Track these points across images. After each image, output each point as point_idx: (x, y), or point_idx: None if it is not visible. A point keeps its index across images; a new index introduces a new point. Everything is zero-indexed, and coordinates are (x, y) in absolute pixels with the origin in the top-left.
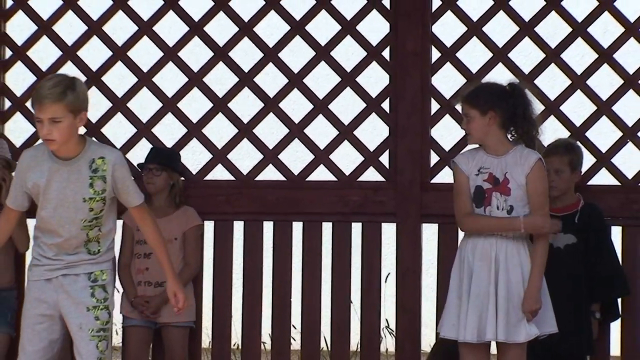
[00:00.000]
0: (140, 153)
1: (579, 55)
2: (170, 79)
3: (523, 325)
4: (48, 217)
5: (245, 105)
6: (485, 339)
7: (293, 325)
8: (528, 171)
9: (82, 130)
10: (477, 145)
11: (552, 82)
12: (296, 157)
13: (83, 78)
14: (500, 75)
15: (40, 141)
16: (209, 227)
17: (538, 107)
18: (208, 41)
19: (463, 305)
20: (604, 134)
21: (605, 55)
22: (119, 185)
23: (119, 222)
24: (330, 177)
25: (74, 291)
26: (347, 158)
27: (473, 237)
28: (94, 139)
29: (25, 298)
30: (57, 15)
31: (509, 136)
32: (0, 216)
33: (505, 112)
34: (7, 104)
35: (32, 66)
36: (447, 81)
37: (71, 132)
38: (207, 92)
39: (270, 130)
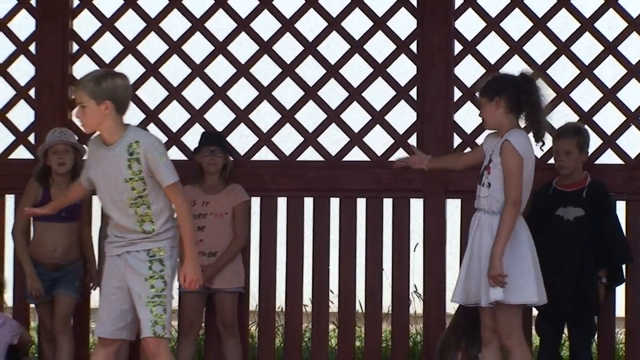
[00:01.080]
0: (193, 138)
1: (587, 48)
2: (219, 70)
3: (489, 291)
4: (102, 198)
5: (287, 93)
6: (461, 301)
7: (331, 290)
8: (499, 151)
9: (136, 117)
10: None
11: (562, 72)
12: (333, 139)
13: (142, 70)
14: (516, 66)
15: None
16: (255, 202)
17: (548, 94)
18: (254, 36)
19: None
20: (609, 118)
21: (610, 48)
22: (151, 165)
23: None
24: (364, 157)
25: (135, 265)
26: (379, 140)
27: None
28: (134, 125)
29: (104, 272)
30: (119, 13)
31: (521, 122)
32: (73, 185)
33: (510, 98)
34: None
35: (96, 59)
36: (468, 71)
37: (96, 118)
38: (254, 81)
39: (310, 116)
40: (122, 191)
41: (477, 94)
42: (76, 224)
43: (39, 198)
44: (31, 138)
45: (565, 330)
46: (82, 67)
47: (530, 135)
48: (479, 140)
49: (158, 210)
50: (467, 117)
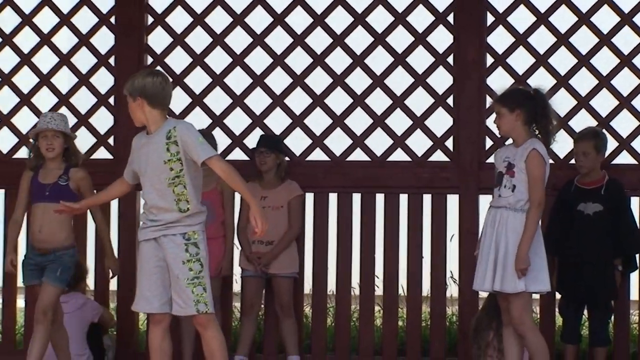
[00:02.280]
0: (254, 139)
1: (604, 60)
2: (277, 80)
3: (514, 280)
4: (144, 183)
5: (338, 100)
6: (483, 289)
7: (376, 276)
8: (525, 158)
9: (204, 122)
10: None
11: (582, 82)
12: (378, 142)
13: (208, 80)
14: (541, 77)
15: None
16: (309, 198)
17: (556, 108)
18: (308, 50)
19: (478, 261)
20: (624, 123)
21: (626, 61)
22: (187, 146)
23: (237, 197)
24: (406, 157)
25: (172, 248)
26: (419, 143)
27: (490, 208)
28: (172, 119)
29: (139, 257)
30: (188, 29)
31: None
32: (116, 181)
33: (529, 111)
34: None
35: (168, 71)
36: (498, 81)
37: (135, 112)
38: (308, 90)
39: (358, 121)
40: (161, 172)
41: (493, 102)
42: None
43: (29, 183)
44: (110, 140)
45: (585, 312)
46: None
47: None
48: (508, 141)
49: (193, 191)
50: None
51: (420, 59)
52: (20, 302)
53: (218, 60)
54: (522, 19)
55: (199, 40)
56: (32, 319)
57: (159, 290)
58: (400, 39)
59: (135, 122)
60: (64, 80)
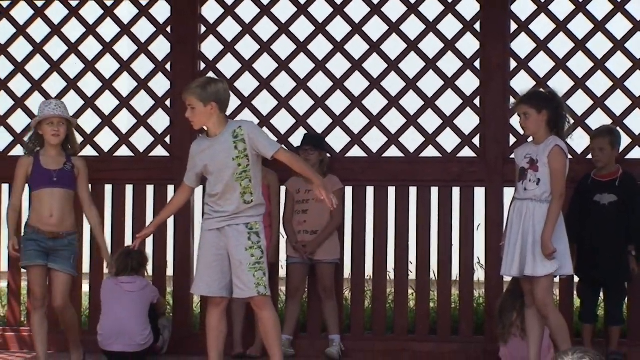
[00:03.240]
0: (298, 138)
1: (618, 64)
2: (319, 84)
3: (544, 265)
4: (211, 180)
5: (374, 101)
6: (510, 274)
7: (410, 262)
8: (547, 154)
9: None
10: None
11: (598, 83)
12: (411, 139)
13: (255, 84)
14: (560, 79)
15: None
16: (348, 191)
17: (574, 107)
18: (347, 56)
19: (505, 249)
20: (637, 121)
21: (638, 64)
22: (254, 142)
23: (282, 190)
24: (436, 154)
25: (235, 237)
26: (448, 140)
27: (514, 201)
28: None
29: (201, 244)
30: (237, 37)
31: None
32: (178, 189)
33: (552, 112)
34: None
35: (220, 76)
36: (521, 84)
37: (204, 117)
38: (347, 93)
39: (392, 120)
40: (229, 168)
41: (518, 103)
42: (69, 192)
43: (30, 169)
44: (167, 139)
45: (601, 294)
46: None
47: None
48: (529, 139)
49: (256, 184)
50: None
51: (449, 64)
52: (85, 287)
53: (265, 65)
54: (542, 26)
55: (247, 47)
56: (96, 303)
57: (218, 275)
58: (431, 45)
59: (195, 126)
60: (125, 84)
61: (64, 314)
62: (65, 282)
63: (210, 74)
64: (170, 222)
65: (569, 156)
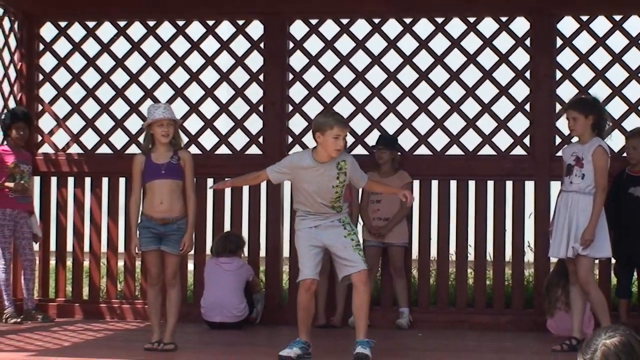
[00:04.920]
0: (373, 138)
1: None
2: (391, 92)
3: (587, 247)
4: (309, 196)
5: (439, 107)
6: (558, 256)
7: (469, 244)
8: (592, 152)
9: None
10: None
11: (633, 91)
12: (470, 139)
13: (336, 92)
14: (600, 88)
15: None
16: (416, 184)
17: (611, 112)
18: (415, 68)
19: (552, 234)
20: None
21: None
22: (351, 176)
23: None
24: (492, 152)
25: (332, 229)
26: (502, 140)
27: (561, 192)
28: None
29: (300, 240)
30: (321, 52)
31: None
32: (260, 173)
33: (597, 116)
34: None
35: (305, 85)
36: (566, 92)
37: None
38: (414, 99)
39: (454, 123)
40: (328, 192)
41: (567, 108)
42: (176, 182)
43: (143, 165)
44: (260, 139)
45: (635, 273)
46: (295, 91)
47: None
48: (574, 139)
49: (343, 200)
50: (565, 123)
51: (503, 74)
52: (190, 266)
53: (344, 76)
54: (584, 41)
55: (329, 60)
56: (199, 281)
57: (315, 263)
58: (488, 58)
59: (335, 153)
60: (224, 92)
61: (173, 290)
62: (176, 262)
63: (297, 84)
64: (263, 211)
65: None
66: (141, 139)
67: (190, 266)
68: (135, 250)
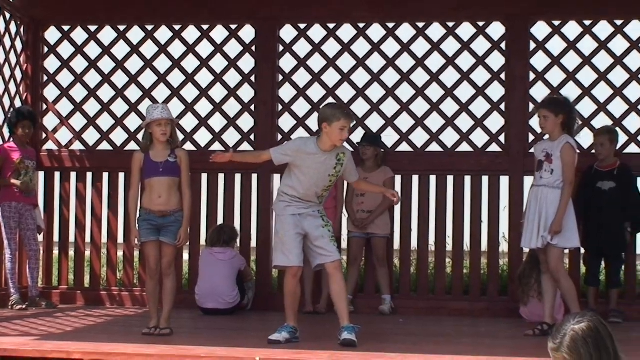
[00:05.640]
0: (357, 136)
1: (618, 76)
2: (374, 92)
3: (555, 238)
4: (306, 181)
5: (419, 106)
6: (530, 246)
7: (448, 236)
8: (560, 149)
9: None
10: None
11: (602, 92)
12: (449, 137)
13: (323, 92)
14: (571, 88)
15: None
16: (398, 178)
17: (581, 111)
18: (397, 70)
19: (524, 226)
20: (633, 123)
21: (634, 76)
22: (347, 170)
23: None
24: (469, 149)
25: (313, 220)
26: (479, 138)
27: (532, 187)
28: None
29: (284, 226)
30: (309, 55)
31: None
32: (264, 153)
33: (568, 115)
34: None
35: (295, 86)
36: (539, 92)
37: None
38: (397, 100)
39: (434, 121)
40: (323, 180)
41: (539, 107)
42: (173, 179)
43: (142, 163)
44: (249, 137)
45: (603, 263)
46: (285, 91)
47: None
48: (545, 137)
49: (330, 190)
50: (536, 122)
51: (480, 76)
52: (185, 256)
53: (331, 77)
54: (556, 45)
55: (317, 63)
56: (194, 269)
57: (299, 250)
58: (465, 61)
59: (340, 142)
60: (218, 92)
61: (168, 279)
62: (172, 252)
63: (287, 85)
64: (254, 205)
65: (577, 151)
66: (140, 136)
67: (186, 256)
68: (135, 242)
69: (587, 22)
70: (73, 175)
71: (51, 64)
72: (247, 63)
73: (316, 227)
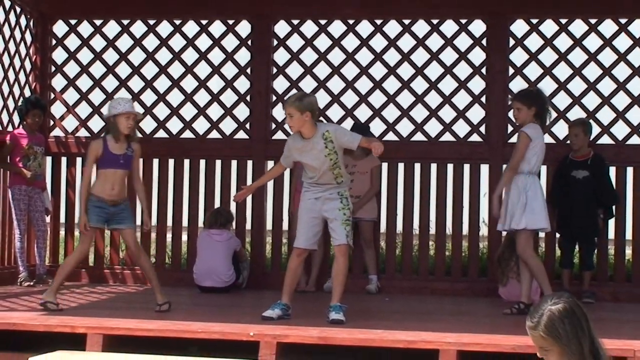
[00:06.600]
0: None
1: (592, 71)
2: (363, 84)
3: (520, 220)
4: (311, 167)
5: (405, 98)
6: (505, 229)
7: (430, 220)
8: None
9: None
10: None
11: (577, 86)
12: (433, 127)
13: (314, 84)
14: (547, 83)
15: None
16: (384, 166)
17: (557, 104)
18: (384, 64)
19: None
20: (606, 115)
21: (607, 71)
22: (339, 140)
23: None
24: (452, 138)
25: (330, 201)
26: (461, 128)
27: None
28: (323, 121)
29: (301, 208)
30: (302, 48)
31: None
32: (275, 166)
33: (539, 107)
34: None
35: (288, 78)
36: (517, 86)
37: (300, 123)
38: (384, 91)
39: (419, 113)
40: (324, 162)
41: (513, 100)
42: (127, 172)
43: (100, 152)
44: (244, 126)
45: (576, 247)
46: (278, 83)
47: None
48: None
49: (344, 169)
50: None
51: (462, 70)
52: (184, 237)
53: (322, 70)
54: (533, 42)
55: (309, 56)
56: (192, 250)
57: (312, 233)
58: (448, 56)
59: (293, 130)
60: (215, 83)
61: (140, 259)
62: (132, 234)
63: (281, 77)
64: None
65: (552, 140)
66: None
67: (184, 237)
68: (86, 228)
69: (563, 21)
70: (79, 160)
71: (58, 55)
72: (244, 56)
73: (332, 209)
